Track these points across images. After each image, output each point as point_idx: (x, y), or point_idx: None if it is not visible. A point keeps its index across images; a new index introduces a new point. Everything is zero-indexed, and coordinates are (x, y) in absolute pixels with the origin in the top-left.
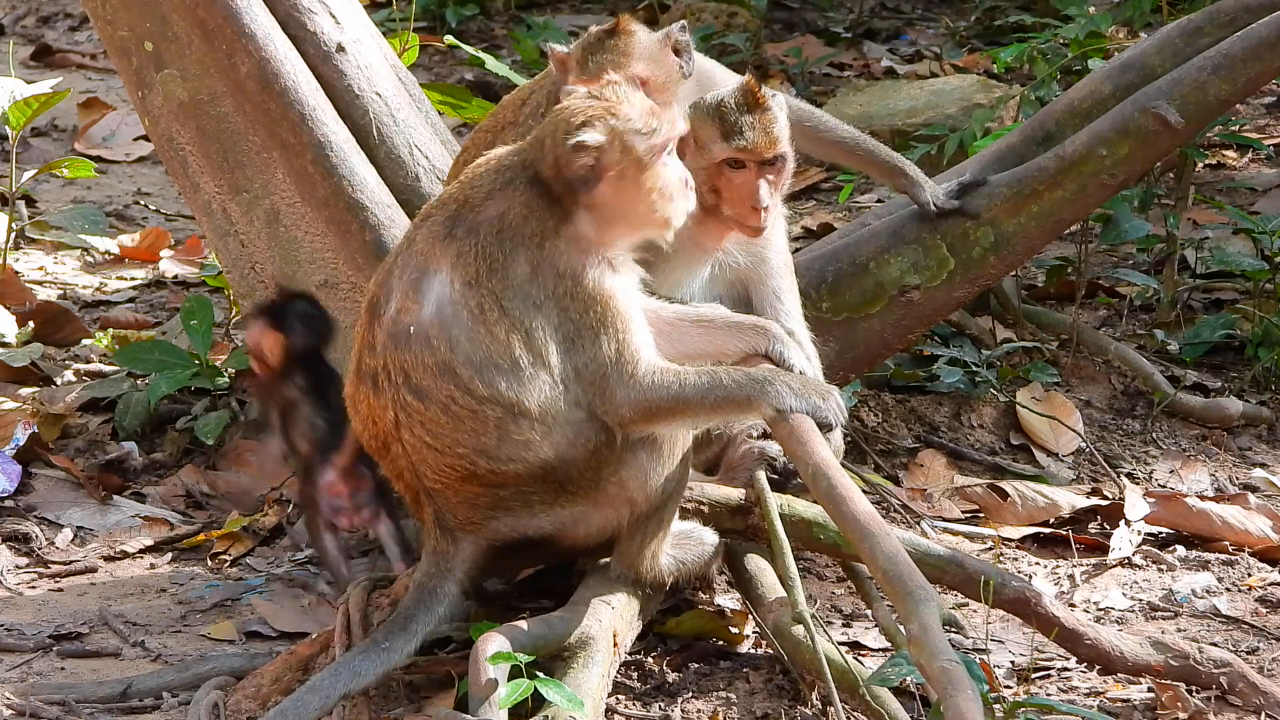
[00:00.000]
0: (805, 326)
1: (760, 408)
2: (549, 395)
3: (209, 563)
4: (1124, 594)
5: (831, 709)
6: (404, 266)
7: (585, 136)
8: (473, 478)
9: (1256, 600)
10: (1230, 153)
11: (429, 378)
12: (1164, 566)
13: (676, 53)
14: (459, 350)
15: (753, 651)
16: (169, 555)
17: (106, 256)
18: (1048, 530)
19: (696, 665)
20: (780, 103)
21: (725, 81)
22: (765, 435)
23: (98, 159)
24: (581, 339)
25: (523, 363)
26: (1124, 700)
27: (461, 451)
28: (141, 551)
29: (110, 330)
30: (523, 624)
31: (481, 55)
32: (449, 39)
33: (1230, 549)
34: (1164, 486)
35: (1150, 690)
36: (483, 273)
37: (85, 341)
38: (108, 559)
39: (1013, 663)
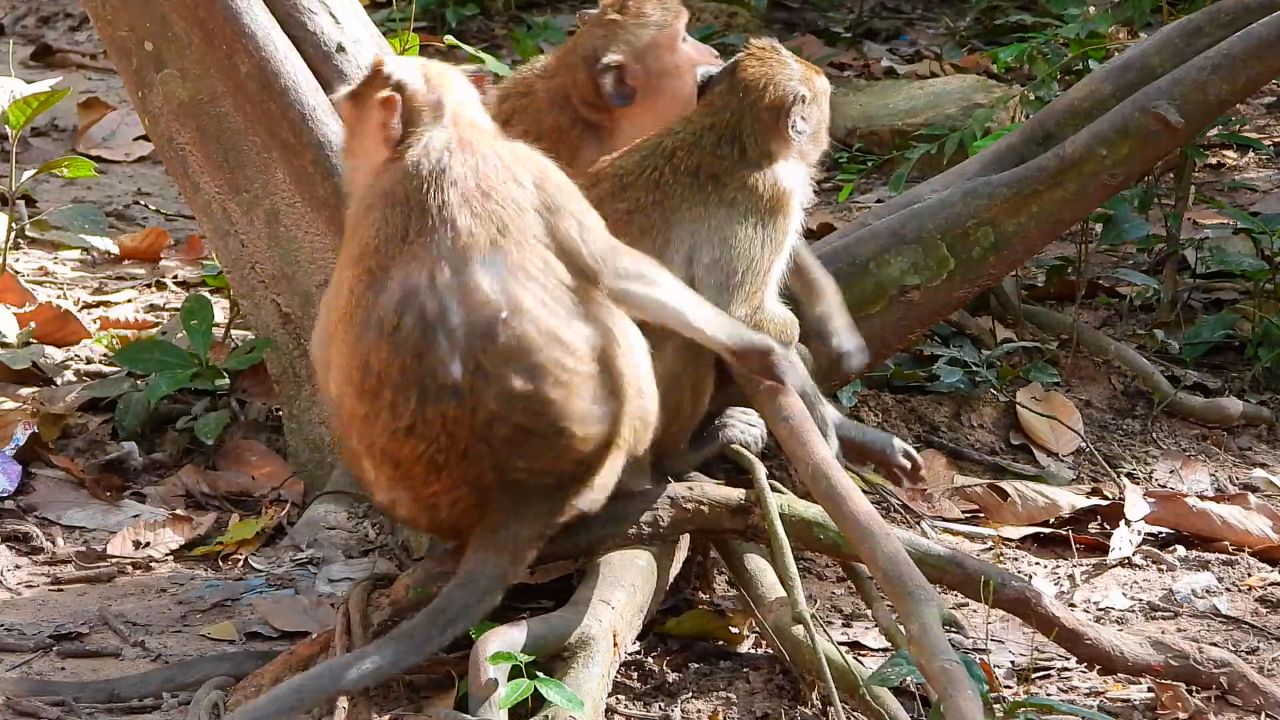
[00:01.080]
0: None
1: (763, 350)
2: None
3: (220, 564)
4: (1124, 594)
5: (831, 709)
6: (437, 285)
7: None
8: (569, 453)
9: (1256, 600)
10: (1230, 153)
11: (534, 353)
12: (1164, 566)
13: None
14: (548, 309)
15: (753, 651)
16: (169, 556)
17: (106, 256)
18: (1048, 530)
19: (696, 665)
20: None
21: None
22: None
23: (98, 159)
24: (586, 223)
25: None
26: (1124, 700)
27: (563, 424)
28: (160, 558)
29: (110, 330)
30: (523, 624)
31: (481, 55)
32: (449, 39)
33: (1230, 549)
34: (1164, 486)
35: (1150, 690)
36: (510, 225)
37: (85, 341)
38: (131, 565)
39: (1013, 663)
